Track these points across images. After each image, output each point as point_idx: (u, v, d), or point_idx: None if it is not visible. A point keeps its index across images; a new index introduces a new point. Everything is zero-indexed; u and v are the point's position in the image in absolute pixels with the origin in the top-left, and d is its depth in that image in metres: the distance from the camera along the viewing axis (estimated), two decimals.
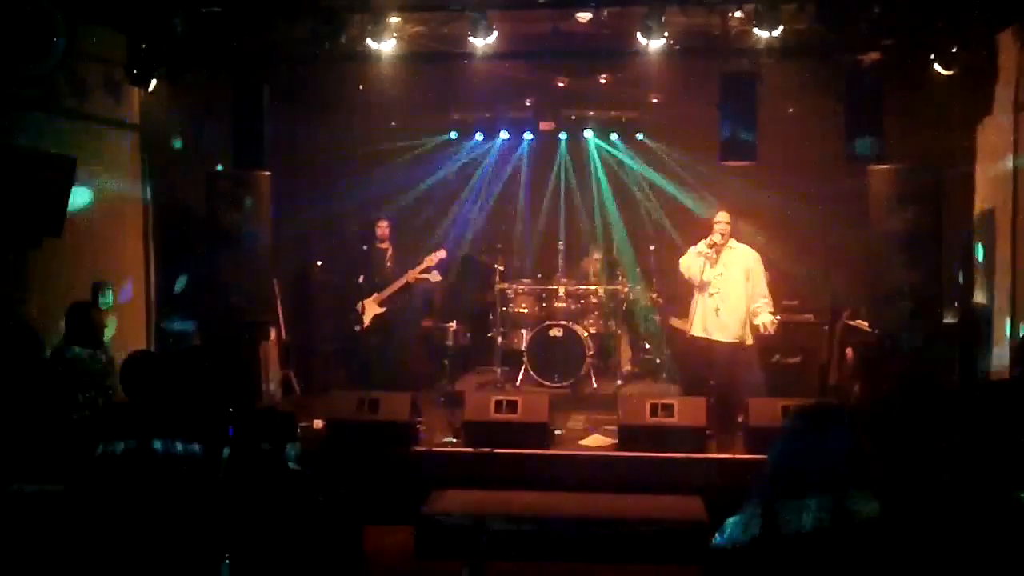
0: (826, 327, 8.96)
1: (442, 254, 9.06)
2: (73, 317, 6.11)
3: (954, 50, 7.00)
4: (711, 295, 7.61)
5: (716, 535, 2.48)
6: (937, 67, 7.11)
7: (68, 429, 5.04)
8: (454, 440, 7.33)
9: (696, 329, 7.69)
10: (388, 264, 8.97)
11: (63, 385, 5.56)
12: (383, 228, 9.07)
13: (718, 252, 7.59)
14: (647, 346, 9.87)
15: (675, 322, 9.15)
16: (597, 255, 10.16)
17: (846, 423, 2.40)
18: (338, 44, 7.30)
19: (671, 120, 10.13)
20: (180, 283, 8.35)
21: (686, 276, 7.73)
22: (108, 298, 7.23)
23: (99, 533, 3.80)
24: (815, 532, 2.29)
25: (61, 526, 3.90)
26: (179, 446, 4.04)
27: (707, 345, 7.64)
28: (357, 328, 8.67)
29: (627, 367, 9.58)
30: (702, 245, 7.61)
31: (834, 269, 9.20)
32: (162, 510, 3.87)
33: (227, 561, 3.49)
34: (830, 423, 2.39)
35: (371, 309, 8.82)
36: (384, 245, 8.99)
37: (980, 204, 7.64)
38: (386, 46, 7.44)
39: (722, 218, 7.68)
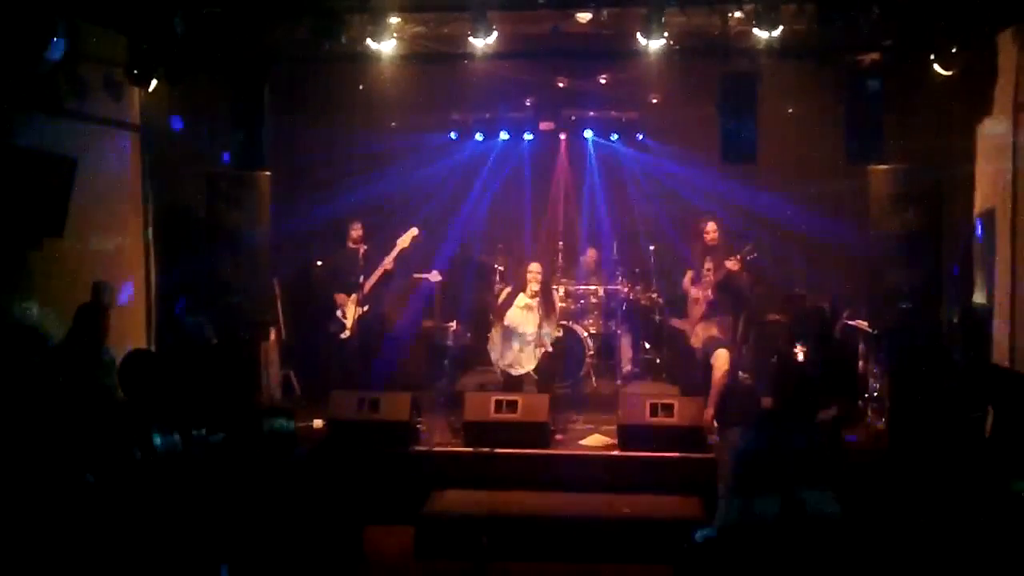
0: None
1: (414, 232, 8.68)
2: (81, 318, 6.14)
3: (954, 50, 7.00)
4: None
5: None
6: (937, 67, 7.11)
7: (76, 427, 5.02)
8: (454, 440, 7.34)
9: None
10: (361, 264, 8.53)
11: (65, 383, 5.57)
12: (357, 230, 8.73)
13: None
14: (647, 346, 9.86)
15: (675, 322, 9.15)
16: (594, 254, 10.18)
17: (805, 426, 2.42)
18: (338, 44, 7.31)
19: (671, 120, 10.13)
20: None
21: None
22: (108, 298, 7.24)
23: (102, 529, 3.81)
24: (778, 524, 2.31)
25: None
26: (178, 438, 4.04)
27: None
28: (343, 336, 8.52)
29: (627, 367, 9.57)
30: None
31: (834, 269, 9.19)
32: (162, 508, 3.87)
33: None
34: (789, 425, 2.42)
35: (352, 311, 8.55)
36: (357, 246, 8.64)
37: (980, 204, 7.63)
38: (386, 46, 7.44)
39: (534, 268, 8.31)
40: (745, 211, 9.28)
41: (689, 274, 8.34)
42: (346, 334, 8.52)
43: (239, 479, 4.29)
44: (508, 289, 8.51)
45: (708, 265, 8.04)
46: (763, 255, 8.05)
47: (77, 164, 7.01)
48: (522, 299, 8.26)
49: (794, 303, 9.12)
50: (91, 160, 7.39)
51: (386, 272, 8.60)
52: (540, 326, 8.20)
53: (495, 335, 8.40)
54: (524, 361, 8.21)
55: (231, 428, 4.38)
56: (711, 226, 8.12)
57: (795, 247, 9.23)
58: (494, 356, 8.41)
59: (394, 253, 8.57)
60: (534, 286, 8.23)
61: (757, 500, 2.32)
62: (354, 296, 8.50)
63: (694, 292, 8.18)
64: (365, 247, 8.60)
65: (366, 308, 8.50)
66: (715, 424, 7.47)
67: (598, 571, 6.01)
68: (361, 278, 8.45)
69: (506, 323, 8.26)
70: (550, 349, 8.25)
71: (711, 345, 7.88)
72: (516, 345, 8.22)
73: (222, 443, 4.36)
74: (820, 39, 7.27)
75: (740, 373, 8.27)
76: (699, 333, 8.15)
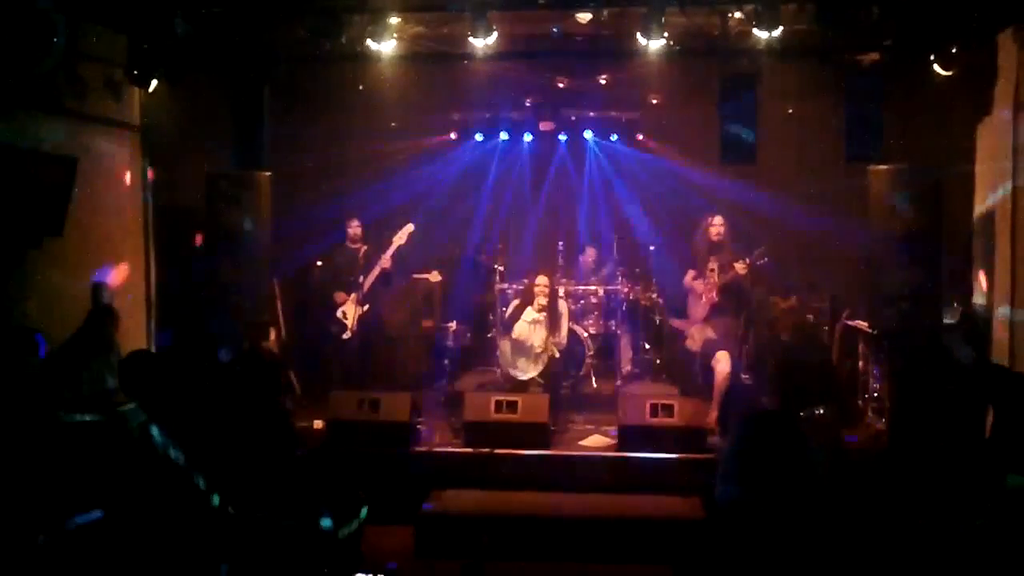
0: (826, 327, 8.97)
1: (410, 228, 8.60)
2: (91, 323, 6.17)
3: (954, 50, 7.00)
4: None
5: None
6: (937, 67, 7.11)
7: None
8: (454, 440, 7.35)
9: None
10: (361, 263, 8.53)
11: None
12: (354, 227, 8.71)
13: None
14: (647, 346, 9.87)
15: (675, 322, 9.15)
16: (594, 253, 10.18)
17: (791, 430, 2.43)
18: (338, 44, 7.31)
19: (671, 120, 10.14)
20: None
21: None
22: (107, 299, 7.24)
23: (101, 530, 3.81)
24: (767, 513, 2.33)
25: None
26: (180, 455, 4.03)
27: None
28: (345, 336, 8.49)
29: (627, 367, 9.57)
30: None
31: (834, 269, 9.19)
32: (162, 509, 3.86)
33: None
34: (776, 429, 2.42)
35: (353, 311, 8.52)
36: (356, 245, 8.64)
37: (980, 204, 7.64)
38: (386, 46, 7.44)
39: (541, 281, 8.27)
40: (745, 211, 9.28)
41: (691, 272, 8.33)
42: (347, 334, 8.50)
43: (240, 480, 4.29)
44: (516, 302, 8.50)
45: (712, 265, 8.01)
46: (770, 258, 8.04)
47: (77, 164, 7.02)
48: (529, 313, 8.24)
49: (790, 318, 9.09)
50: (91, 160, 7.39)
51: (384, 271, 8.56)
52: (547, 338, 8.20)
53: (504, 347, 8.41)
54: (531, 369, 8.22)
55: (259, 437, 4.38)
56: (718, 220, 8.08)
57: (795, 247, 9.22)
58: (504, 365, 8.44)
59: (391, 251, 8.52)
60: (541, 300, 8.20)
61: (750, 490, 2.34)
62: (354, 295, 8.49)
63: (698, 289, 8.15)
64: (365, 246, 8.58)
65: (366, 308, 8.49)
66: (718, 427, 7.46)
67: (598, 571, 6.01)
68: (361, 278, 8.44)
69: (514, 336, 8.26)
70: (557, 355, 8.23)
71: (710, 348, 7.87)
72: (523, 358, 8.24)
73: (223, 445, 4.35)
74: (820, 39, 7.27)
75: (741, 375, 8.26)
76: (695, 336, 8.14)
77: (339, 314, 8.56)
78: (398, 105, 9.09)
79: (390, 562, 4.10)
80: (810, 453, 2.44)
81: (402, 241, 8.54)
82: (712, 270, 8.00)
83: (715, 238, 8.05)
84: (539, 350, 8.18)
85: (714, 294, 7.98)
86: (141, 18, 7.23)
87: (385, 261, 8.52)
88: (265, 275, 8.23)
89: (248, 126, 7.83)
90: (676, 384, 8.93)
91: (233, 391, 5.85)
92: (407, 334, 9.71)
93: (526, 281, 8.70)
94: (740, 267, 7.79)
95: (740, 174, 9.02)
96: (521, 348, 8.23)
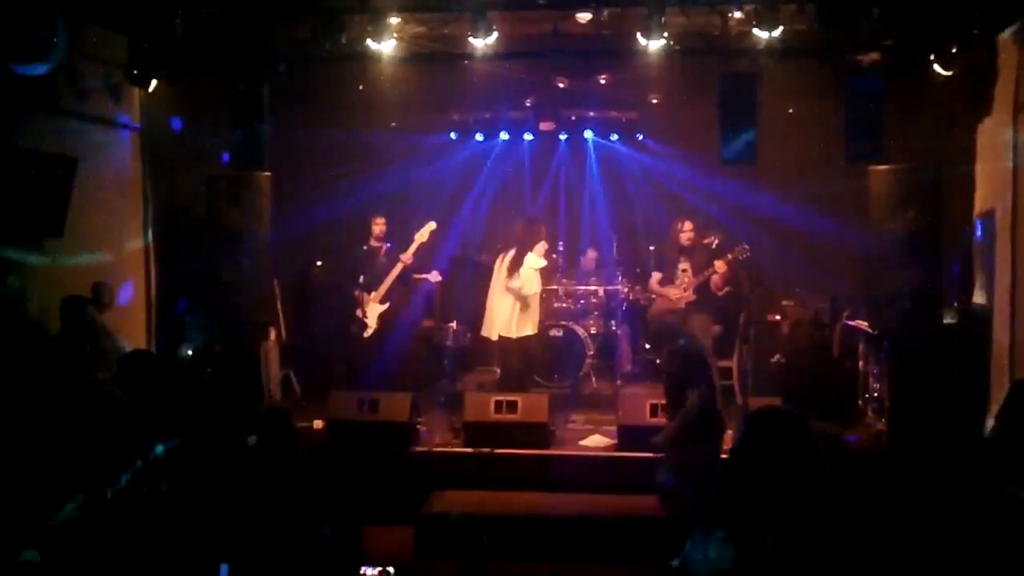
0: (826, 327, 8.96)
1: (432, 225, 8.58)
2: (67, 312, 6.15)
3: (954, 50, 7.00)
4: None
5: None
6: (937, 67, 7.11)
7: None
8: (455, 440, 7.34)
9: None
10: (382, 261, 8.54)
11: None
12: (380, 225, 8.66)
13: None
14: (647, 346, 9.87)
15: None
16: (595, 254, 10.18)
17: (800, 427, 2.43)
18: (338, 44, 7.31)
19: (671, 120, 10.14)
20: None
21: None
22: (108, 298, 7.26)
23: (100, 532, 3.81)
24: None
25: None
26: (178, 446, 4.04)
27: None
28: (366, 335, 8.42)
29: (627, 367, 9.57)
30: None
31: (834, 269, 9.19)
32: (162, 510, 3.87)
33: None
34: (785, 427, 2.42)
35: (374, 310, 8.50)
36: (379, 243, 8.62)
37: (980, 204, 7.64)
38: (386, 46, 7.45)
39: None
40: (745, 211, 9.29)
41: (656, 275, 8.29)
42: (368, 333, 8.45)
43: (241, 479, 4.29)
44: (510, 253, 8.34)
45: (684, 266, 8.00)
46: (758, 255, 8.03)
47: (77, 164, 7.02)
48: (536, 260, 8.20)
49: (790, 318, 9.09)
50: (91, 160, 7.39)
51: (405, 268, 8.54)
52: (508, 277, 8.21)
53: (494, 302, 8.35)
54: (525, 324, 8.21)
55: (232, 434, 4.37)
56: (687, 225, 8.08)
57: (795, 247, 9.22)
58: (490, 327, 8.37)
59: (413, 248, 8.46)
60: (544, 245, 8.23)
61: (719, 540, 2.33)
62: (374, 295, 8.45)
63: (673, 294, 8.10)
64: (387, 245, 8.56)
65: (387, 306, 8.48)
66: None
67: (598, 571, 6.01)
68: (362, 277, 8.42)
69: (514, 286, 8.18)
70: (525, 293, 8.20)
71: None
72: (518, 306, 8.20)
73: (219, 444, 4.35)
74: (820, 39, 7.28)
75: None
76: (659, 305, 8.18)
77: (358, 313, 8.51)
78: (398, 105, 9.09)
79: (391, 563, 4.09)
80: (818, 452, 2.43)
81: (424, 239, 8.49)
82: (684, 270, 7.98)
83: (685, 243, 8.05)
84: (509, 284, 8.15)
85: (690, 293, 7.96)
86: (141, 18, 7.23)
87: (407, 258, 8.48)
88: (265, 275, 8.22)
89: (248, 126, 7.83)
90: None
91: (210, 393, 5.83)
92: (407, 334, 9.70)
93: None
94: (720, 265, 7.76)
95: (740, 174, 9.02)
96: (498, 292, 8.27)
